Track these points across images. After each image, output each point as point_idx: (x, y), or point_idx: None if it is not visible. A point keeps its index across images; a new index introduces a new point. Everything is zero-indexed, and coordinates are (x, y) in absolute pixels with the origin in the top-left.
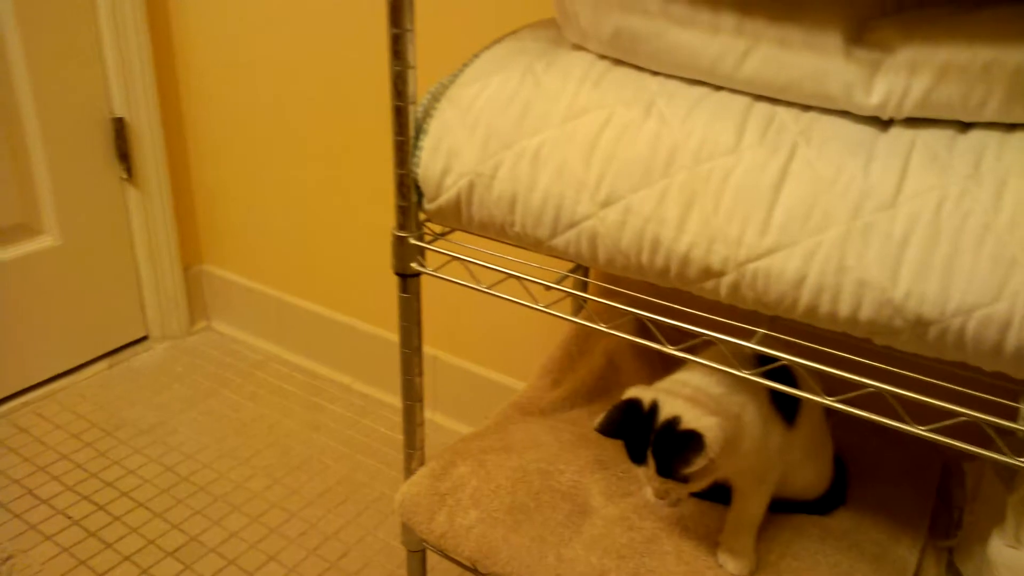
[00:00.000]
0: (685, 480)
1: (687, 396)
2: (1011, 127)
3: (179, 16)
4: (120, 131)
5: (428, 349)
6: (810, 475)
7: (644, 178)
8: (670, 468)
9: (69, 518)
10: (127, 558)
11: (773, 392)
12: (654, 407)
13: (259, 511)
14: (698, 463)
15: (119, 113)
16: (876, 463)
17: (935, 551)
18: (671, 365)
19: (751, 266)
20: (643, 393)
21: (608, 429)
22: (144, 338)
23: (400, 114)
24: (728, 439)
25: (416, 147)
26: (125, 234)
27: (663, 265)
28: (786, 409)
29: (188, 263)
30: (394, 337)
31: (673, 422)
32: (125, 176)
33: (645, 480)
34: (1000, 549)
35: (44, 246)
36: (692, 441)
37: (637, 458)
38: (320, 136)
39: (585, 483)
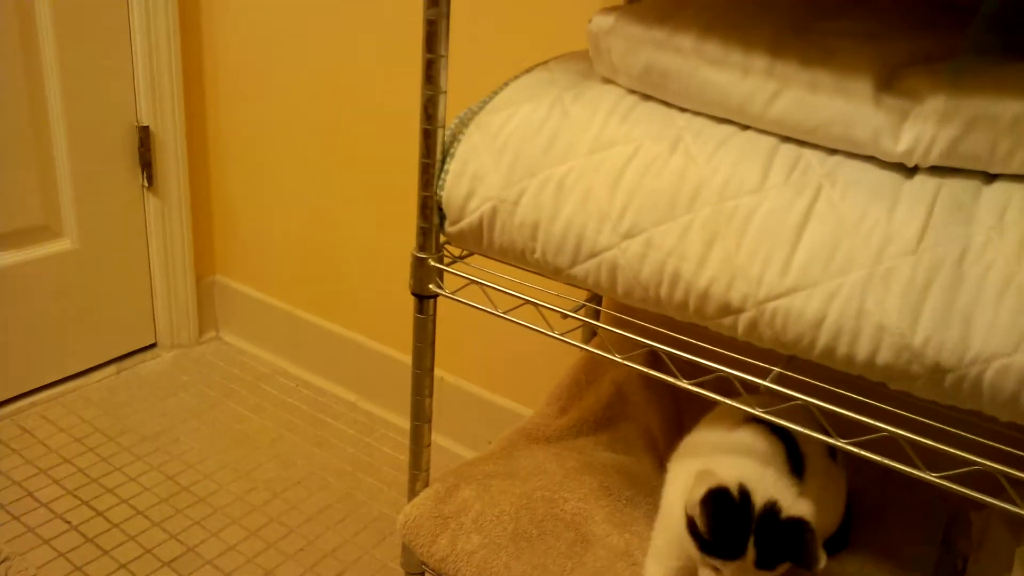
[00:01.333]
0: (774, 568)
1: (761, 470)
2: None
3: (210, 29)
4: (144, 140)
5: (435, 370)
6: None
7: (668, 212)
8: (776, 560)
9: (67, 523)
10: (123, 566)
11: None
12: (745, 493)
13: (258, 525)
14: (811, 552)
15: (145, 122)
16: (882, 507)
17: None
18: (681, 399)
19: (771, 305)
20: (721, 475)
21: (713, 527)
22: (153, 345)
23: (428, 137)
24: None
25: (442, 170)
26: (141, 241)
27: (682, 299)
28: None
29: (202, 273)
30: (402, 356)
31: (773, 509)
32: (146, 184)
33: (727, 574)
34: None
35: (62, 249)
36: (802, 531)
37: (733, 552)
38: (342, 154)
39: (589, 511)
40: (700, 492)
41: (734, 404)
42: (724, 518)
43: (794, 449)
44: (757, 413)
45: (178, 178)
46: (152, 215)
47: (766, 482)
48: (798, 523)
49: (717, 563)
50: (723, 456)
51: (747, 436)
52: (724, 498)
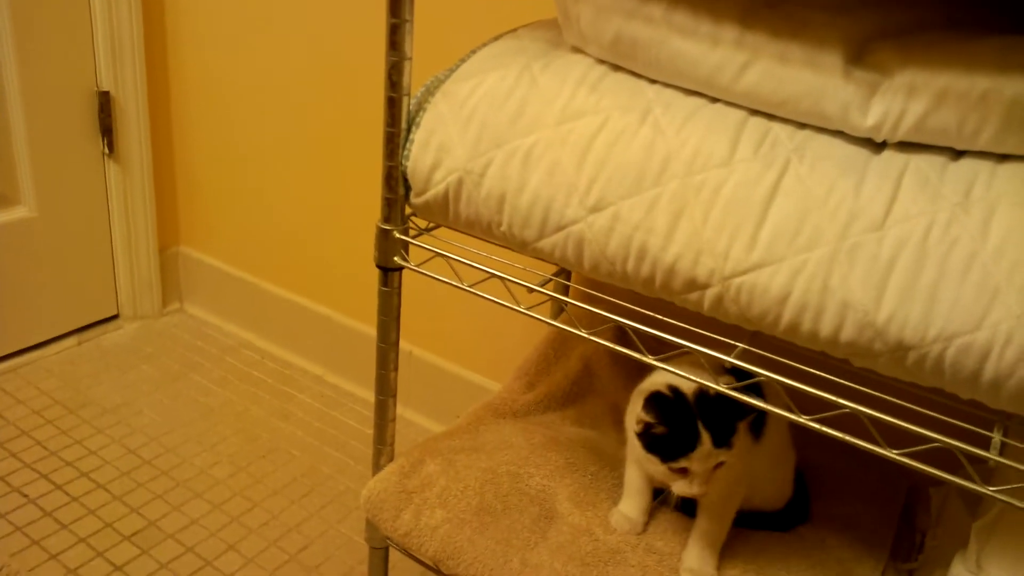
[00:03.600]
0: (731, 444)
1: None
2: (1003, 157)
3: None
4: (105, 105)
5: (403, 344)
6: (771, 488)
7: (635, 185)
8: (728, 433)
9: (25, 496)
10: (82, 540)
11: None
12: (675, 389)
13: (221, 499)
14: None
15: (105, 87)
16: (843, 482)
17: (896, 573)
18: (647, 373)
19: (736, 280)
20: (654, 387)
21: (663, 422)
22: (115, 316)
23: (393, 105)
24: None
25: (407, 140)
26: (102, 210)
27: (648, 274)
28: (754, 424)
29: (165, 243)
30: (369, 330)
31: (704, 392)
32: (106, 151)
33: (695, 468)
34: (962, 574)
35: (19, 216)
36: (735, 399)
37: (691, 441)
38: (308, 123)
39: (554, 488)
40: (637, 407)
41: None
42: (669, 412)
43: (759, 415)
44: (734, 363)
45: (140, 145)
46: (113, 183)
47: (691, 382)
48: (727, 395)
49: (683, 463)
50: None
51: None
52: (661, 398)
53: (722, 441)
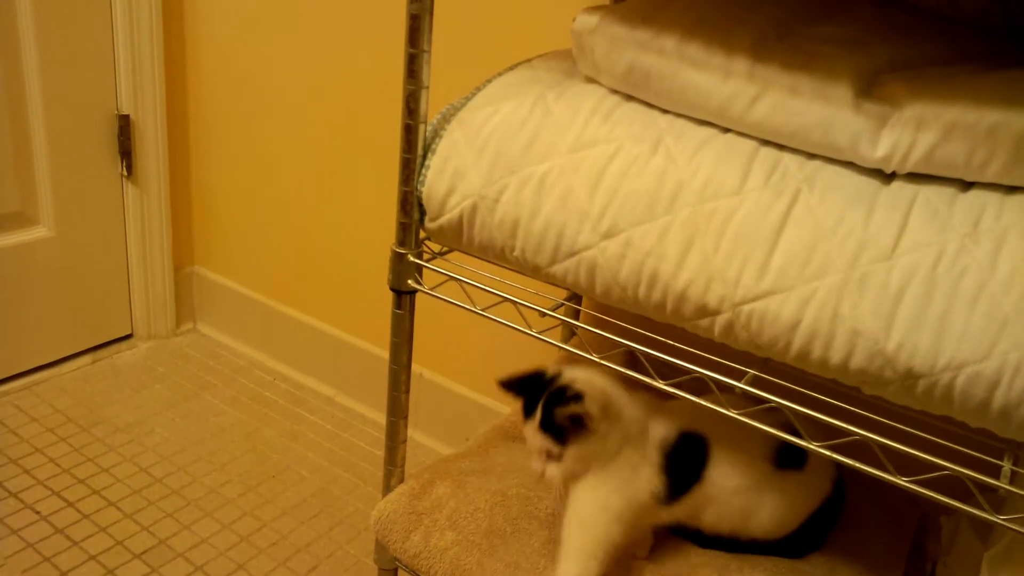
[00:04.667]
0: (563, 439)
1: (595, 376)
2: (1011, 189)
3: (193, 19)
4: (124, 128)
5: (414, 366)
6: (765, 516)
7: (647, 213)
8: (551, 418)
9: (37, 513)
10: (93, 557)
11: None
12: (557, 375)
13: (231, 518)
14: (572, 409)
15: (125, 110)
16: (853, 510)
17: None
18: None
19: (747, 307)
20: (555, 366)
21: (510, 384)
22: (129, 336)
23: (410, 132)
24: (609, 406)
25: (423, 166)
26: (119, 231)
27: (659, 300)
28: (785, 456)
29: (180, 264)
30: (380, 352)
31: (567, 386)
32: (125, 173)
33: (529, 439)
34: None
35: (38, 236)
36: (575, 395)
37: (528, 412)
38: (324, 147)
39: (562, 513)
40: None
41: (704, 403)
42: (528, 384)
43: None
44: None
45: (158, 168)
46: (130, 204)
47: (580, 376)
48: (577, 393)
49: (524, 425)
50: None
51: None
52: (540, 374)
53: (546, 426)
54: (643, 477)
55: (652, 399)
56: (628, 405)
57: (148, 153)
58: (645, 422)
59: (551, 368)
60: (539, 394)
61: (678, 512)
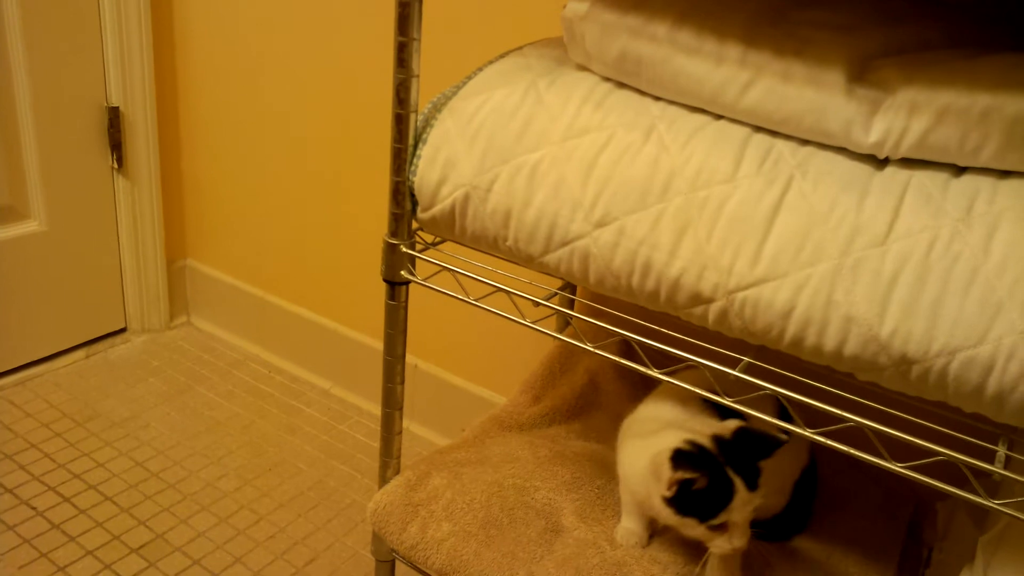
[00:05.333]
0: (759, 487)
1: (680, 425)
2: (1004, 173)
3: (182, 9)
4: (114, 120)
5: (409, 358)
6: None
7: (640, 201)
8: (756, 472)
9: (33, 509)
10: (90, 552)
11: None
12: (697, 445)
13: (228, 512)
14: (781, 437)
15: (115, 102)
16: (850, 497)
17: None
18: (652, 387)
19: (740, 295)
20: (668, 444)
21: (703, 474)
22: (123, 330)
23: (400, 122)
24: None
25: (414, 155)
26: (111, 224)
27: (653, 288)
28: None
29: (172, 257)
30: (376, 344)
31: (720, 438)
32: (116, 166)
33: (735, 519)
34: None
35: (29, 231)
36: (748, 432)
37: (728, 491)
38: (316, 139)
39: (559, 502)
40: (662, 471)
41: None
42: (701, 464)
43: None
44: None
45: (148, 160)
46: (122, 197)
47: (698, 428)
48: (741, 430)
49: (722, 517)
50: (662, 433)
51: (664, 409)
52: (685, 454)
53: (754, 484)
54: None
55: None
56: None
57: (138, 145)
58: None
59: (676, 443)
60: (718, 468)
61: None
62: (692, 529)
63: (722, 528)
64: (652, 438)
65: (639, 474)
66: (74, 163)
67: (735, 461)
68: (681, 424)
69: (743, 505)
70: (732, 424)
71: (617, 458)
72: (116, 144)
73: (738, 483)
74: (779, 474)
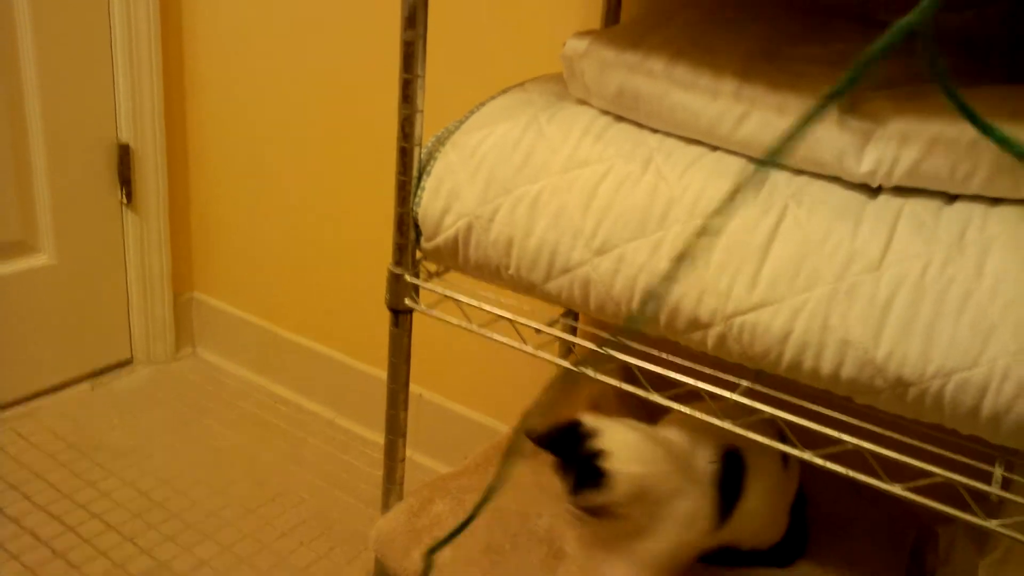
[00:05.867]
0: (593, 512)
1: (638, 440)
2: (995, 200)
3: (191, 47)
4: (124, 157)
5: (412, 387)
6: (759, 525)
7: (639, 229)
8: (575, 494)
9: (37, 537)
10: None
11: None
12: (592, 434)
13: (231, 540)
14: (596, 499)
15: (125, 139)
16: (850, 521)
17: None
18: (655, 414)
19: (738, 319)
20: (594, 421)
21: (542, 440)
22: (129, 361)
23: (405, 155)
24: (646, 495)
25: (418, 187)
26: (119, 258)
27: (653, 314)
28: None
29: (179, 290)
30: (380, 373)
31: (598, 455)
32: (125, 201)
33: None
34: None
35: (39, 264)
36: (600, 479)
37: (562, 473)
38: (320, 172)
39: (562, 528)
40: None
41: (701, 415)
42: (562, 440)
43: (736, 459)
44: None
45: (157, 195)
46: (130, 232)
47: (620, 439)
48: (603, 472)
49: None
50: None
51: (669, 432)
52: (574, 427)
53: (573, 496)
54: (695, 517)
55: (682, 420)
56: (665, 475)
57: (148, 181)
58: (688, 462)
59: (587, 422)
60: (572, 454)
61: (725, 534)
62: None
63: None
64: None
65: None
66: (84, 198)
67: (580, 478)
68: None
69: (565, 496)
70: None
71: None
72: (126, 180)
73: (570, 481)
74: (775, 500)
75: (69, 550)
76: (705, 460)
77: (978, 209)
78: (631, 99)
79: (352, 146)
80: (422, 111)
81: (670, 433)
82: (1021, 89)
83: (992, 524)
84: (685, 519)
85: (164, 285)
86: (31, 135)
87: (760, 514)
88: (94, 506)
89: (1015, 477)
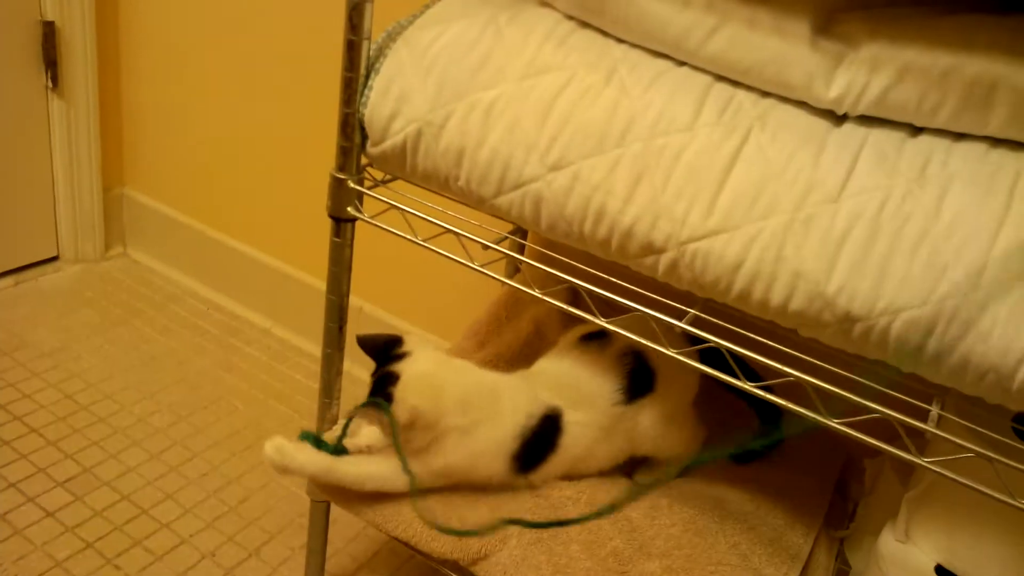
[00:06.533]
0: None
1: (431, 374)
2: (960, 136)
3: None
4: (49, 35)
5: (353, 299)
6: (673, 441)
7: (597, 146)
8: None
9: None
10: (13, 484)
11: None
12: (401, 356)
13: (160, 448)
14: (381, 416)
15: (50, 16)
16: (781, 450)
17: (828, 540)
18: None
19: (691, 246)
20: (413, 343)
21: (365, 344)
22: (55, 258)
23: (352, 49)
24: (416, 424)
25: (365, 86)
26: (44, 146)
27: (605, 236)
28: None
29: (109, 184)
30: (319, 284)
31: (392, 377)
32: (50, 85)
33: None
34: (889, 542)
35: None
36: (379, 402)
37: (371, 379)
38: (263, 66)
39: None
40: None
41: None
42: (381, 351)
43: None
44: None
45: (86, 80)
46: (56, 118)
47: (424, 366)
48: (386, 397)
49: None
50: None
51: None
52: (395, 342)
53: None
54: (479, 453)
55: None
56: (445, 411)
57: (75, 64)
58: (487, 414)
59: (407, 342)
60: (381, 367)
61: (535, 479)
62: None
63: None
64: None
65: None
66: (5, 80)
67: (375, 388)
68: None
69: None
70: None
71: None
72: (51, 61)
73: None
74: (677, 422)
75: None
76: (516, 419)
77: (942, 144)
78: (597, 2)
79: (297, 38)
80: (372, 1)
81: (497, 376)
82: (1001, 18)
83: (924, 461)
84: (467, 452)
85: (92, 178)
86: None
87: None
88: (16, 407)
89: (950, 416)
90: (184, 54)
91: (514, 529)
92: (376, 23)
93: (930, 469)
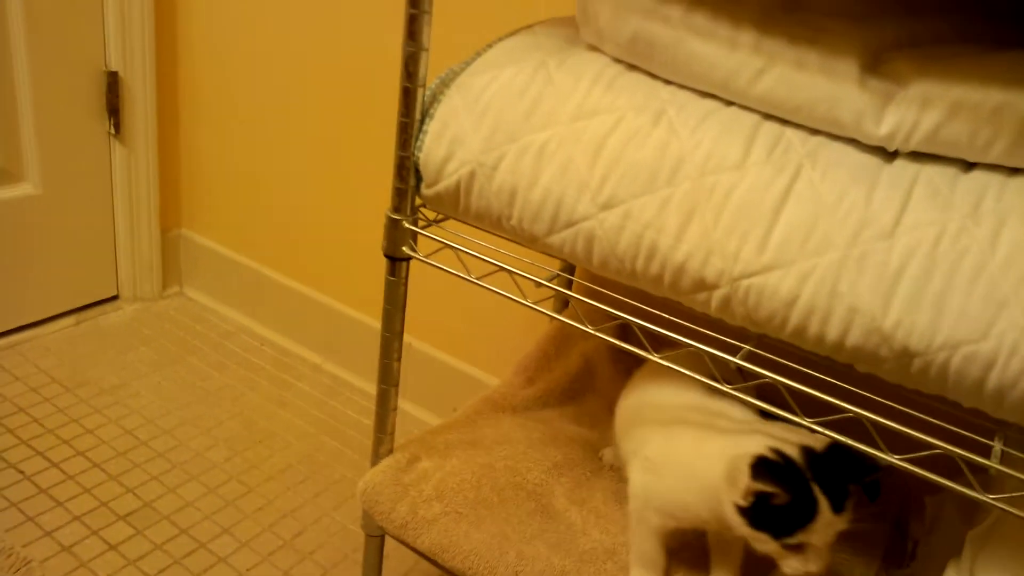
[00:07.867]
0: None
1: (767, 430)
2: (1014, 171)
3: None
4: (112, 85)
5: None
6: None
7: (648, 185)
8: (844, 495)
9: (21, 473)
10: (77, 518)
11: None
12: (781, 454)
13: (217, 482)
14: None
15: (114, 67)
16: None
17: None
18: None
19: (745, 282)
20: (748, 449)
21: (785, 490)
22: (114, 297)
23: (408, 96)
24: None
25: (420, 131)
26: (106, 190)
27: (657, 273)
28: None
29: (167, 226)
30: (371, 321)
31: (813, 450)
32: (113, 132)
33: (814, 542)
34: None
35: (23, 194)
36: (845, 451)
37: (809, 510)
38: (318, 110)
39: (550, 484)
40: (742, 480)
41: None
42: (783, 480)
43: None
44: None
45: (146, 126)
46: (118, 163)
47: (781, 439)
48: (835, 447)
49: (800, 536)
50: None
51: (726, 407)
52: (769, 463)
53: (840, 506)
54: None
55: None
56: None
57: (136, 111)
58: None
59: (759, 449)
60: (803, 484)
61: None
62: (764, 544)
63: (798, 548)
64: (713, 433)
65: (694, 469)
66: (70, 126)
67: (823, 479)
68: (724, 416)
69: (825, 527)
70: (824, 439)
71: (629, 448)
72: (114, 109)
73: (823, 503)
74: None
75: (53, 486)
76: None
77: (996, 179)
78: (646, 46)
79: (354, 84)
80: (427, 50)
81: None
82: None
83: (989, 498)
84: None
85: (151, 220)
86: (15, 59)
87: None
88: (79, 443)
89: (1013, 452)
90: (240, 101)
91: None
92: (431, 70)
93: (995, 506)
